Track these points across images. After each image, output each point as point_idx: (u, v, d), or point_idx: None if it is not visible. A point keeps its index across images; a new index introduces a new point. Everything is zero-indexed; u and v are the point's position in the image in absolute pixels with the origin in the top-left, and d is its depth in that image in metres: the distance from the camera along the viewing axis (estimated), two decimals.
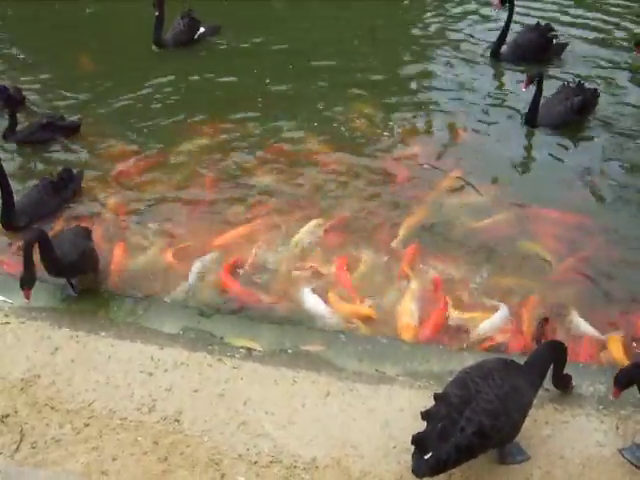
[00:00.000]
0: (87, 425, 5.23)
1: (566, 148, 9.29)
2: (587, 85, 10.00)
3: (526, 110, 9.72)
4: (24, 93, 10.42)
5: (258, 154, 9.08)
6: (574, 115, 9.71)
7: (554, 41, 11.60)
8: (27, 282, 6.02)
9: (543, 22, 11.76)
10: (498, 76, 11.21)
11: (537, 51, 11.45)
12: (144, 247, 7.44)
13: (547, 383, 5.15)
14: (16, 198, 7.77)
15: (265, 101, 10.38)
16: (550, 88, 9.96)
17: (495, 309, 6.46)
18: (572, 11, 13.48)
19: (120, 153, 9.13)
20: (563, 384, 5.34)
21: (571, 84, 10.06)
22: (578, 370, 5.47)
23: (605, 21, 12.97)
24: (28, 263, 5.99)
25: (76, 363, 5.75)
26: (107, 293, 6.69)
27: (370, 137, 9.45)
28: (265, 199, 8.22)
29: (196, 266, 7.04)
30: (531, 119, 9.67)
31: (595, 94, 9.98)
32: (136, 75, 11.28)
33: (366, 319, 6.45)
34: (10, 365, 5.76)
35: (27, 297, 6.05)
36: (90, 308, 6.39)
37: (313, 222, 7.69)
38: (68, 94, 10.70)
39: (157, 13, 11.75)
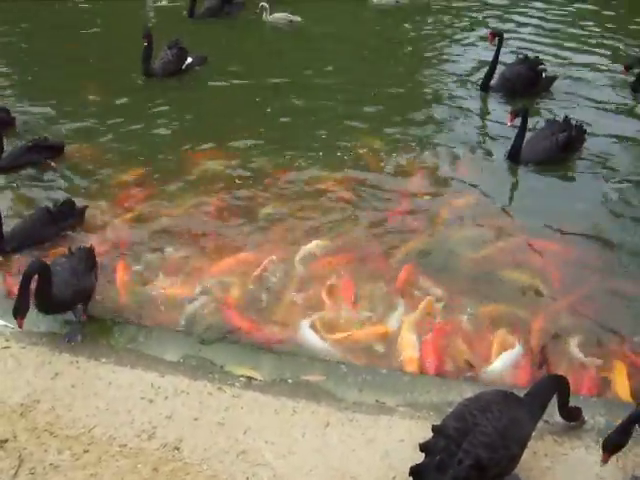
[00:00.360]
0: (86, 451, 5.21)
1: (549, 186, 9.22)
2: (574, 121, 9.87)
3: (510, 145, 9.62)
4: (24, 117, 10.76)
5: (262, 182, 9.17)
6: (559, 152, 9.56)
7: (543, 74, 11.72)
8: (21, 311, 5.91)
9: (533, 55, 12.00)
10: (486, 109, 11.38)
11: (526, 84, 11.54)
12: (145, 276, 7.44)
13: (547, 415, 5.14)
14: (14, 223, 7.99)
15: (266, 130, 10.59)
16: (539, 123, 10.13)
17: (503, 343, 6.45)
18: (564, 44, 13.82)
19: (121, 183, 9.20)
20: (572, 417, 5.33)
21: (557, 119, 9.98)
22: (578, 402, 5.44)
23: (597, 56, 13.29)
24: (24, 293, 5.90)
25: (76, 389, 5.75)
26: (108, 319, 6.69)
27: (371, 167, 9.57)
28: (268, 226, 8.29)
29: (197, 293, 7.08)
30: (514, 155, 9.55)
31: (581, 130, 9.84)
32: (131, 104, 11.54)
33: (382, 337, 6.53)
34: (10, 390, 5.76)
35: (20, 326, 5.96)
36: (91, 334, 6.37)
37: (313, 243, 7.81)
38: (65, 122, 10.93)
39: (145, 44, 11.99)
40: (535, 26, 15.27)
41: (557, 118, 10.06)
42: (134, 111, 11.30)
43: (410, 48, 14.02)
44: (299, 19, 15.42)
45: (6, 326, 6.34)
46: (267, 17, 15.40)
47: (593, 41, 14.22)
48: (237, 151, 9.98)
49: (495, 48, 11.26)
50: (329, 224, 8.32)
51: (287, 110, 11.36)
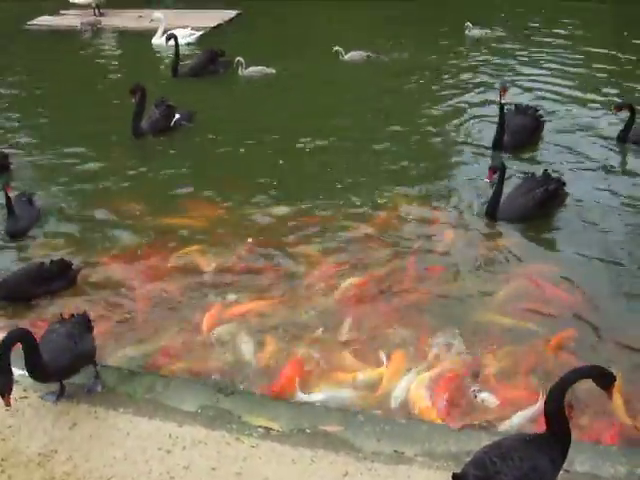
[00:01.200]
0: None
1: (525, 246, 9.07)
2: (553, 175, 9.79)
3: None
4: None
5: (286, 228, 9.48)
6: (537, 209, 9.36)
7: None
8: (4, 388, 5.42)
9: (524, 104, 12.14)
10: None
11: (531, 134, 11.66)
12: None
13: (567, 465, 5.09)
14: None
15: (280, 181, 10.90)
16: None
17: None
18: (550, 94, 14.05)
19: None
20: None
21: (535, 174, 9.78)
22: (599, 452, 5.40)
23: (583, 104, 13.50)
24: (4, 366, 5.45)
25: (94, 439, 5.74)
26: (126, 369, 6.71)
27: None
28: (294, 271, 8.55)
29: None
30: (491, 212, 9.36)
31: (560, 185, 9.64)
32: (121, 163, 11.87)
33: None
34: (28, 439, 5.76)
35: (8, 404, 5.47)
36: (109, 384, 6.36)
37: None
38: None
39: (134, 100, 12.35)
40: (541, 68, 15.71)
41: (535, 173, 9.87)
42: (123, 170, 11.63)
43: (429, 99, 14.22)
44: (274, 71, 15.83)
45: (24, 376, 6.33)
46: (242, 71, 15.74)
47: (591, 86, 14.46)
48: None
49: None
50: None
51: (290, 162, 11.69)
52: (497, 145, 11.41)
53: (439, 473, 5.35)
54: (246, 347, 7.22)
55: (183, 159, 11.99)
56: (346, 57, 16.19)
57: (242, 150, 12.05)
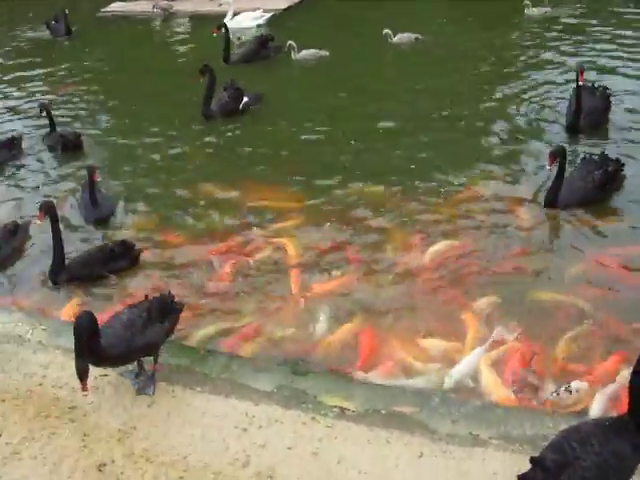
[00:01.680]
0: (181, 478, 5.27)
1: (587, 233, 8.82)
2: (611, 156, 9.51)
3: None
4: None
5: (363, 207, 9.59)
6: (597, 192, 9.08)
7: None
8: (80, 373, 5.50)
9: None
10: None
11: (603, 115, 11.40)
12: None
13: None
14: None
15: (354, 161, 10.97)
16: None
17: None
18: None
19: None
20: None
21: (593, 156, 9.54)
22: None
23: None
24: (81, 352, 5.53)
25: (171, 417, 5.83)
26: (203, 349, 6.80)
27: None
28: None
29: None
30: (552, 200, 9.10)
31: (619, 166, 9.37)
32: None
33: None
34: (108, 416, 5.89)
35: (85, 389, 5.53)
36: (186, 363, 6.44)
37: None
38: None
39: (201, 80, 12.76)
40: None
41: (593, 156, 9.63)
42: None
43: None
44: (327, 53, 15.75)
45: None
46: (295, 55, 15.65)
47: None
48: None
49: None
50: None
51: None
52: (573, 127, 11.15)
53: (515, 457, 5.29)
54: (324, 326, 7.32)
55: (253, 141, 12.13)
56: (395, 39, 16.01)
57: (312, 131, 12.14)
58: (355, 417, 5.77)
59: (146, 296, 6.61)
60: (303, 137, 11.99)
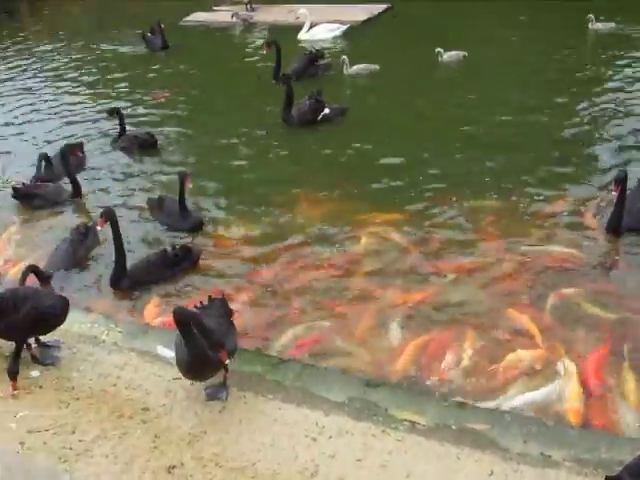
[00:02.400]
0: None
1: None
2: None
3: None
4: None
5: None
6: None
7: None
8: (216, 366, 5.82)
9: None
10: None
11: None
12: None
13: None
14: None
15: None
16: None
17: None
18: None
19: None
20: None
21: None
22: None
23: None
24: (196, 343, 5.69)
25: (242, 423, 5.85)
26: (276, 357, 6.82)
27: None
28: None
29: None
30: (615, 227, 8.77)
31: None
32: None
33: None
34: (179, 419, 5.94)
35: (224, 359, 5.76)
36: (259, 371, 6.46)
37: None
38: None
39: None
40: None
41: None
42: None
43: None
44: (377, 67, 15.62)
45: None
46: (347, 70, 15.54)
47: None
48: None
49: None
50: None
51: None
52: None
53: None
54: (397, 337, 7.31)
55: (330, 150, 12.20)
56: (445, 57, 15.83)
57: (388, 144, 12.10)
58: (426, 432, 5.72)
59: (209, 297, 6.72)
60: (380, 151, 11.92)
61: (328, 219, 9.81)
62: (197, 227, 9.81)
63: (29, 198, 10.88)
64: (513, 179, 10.56)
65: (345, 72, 15.63)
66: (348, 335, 7.44)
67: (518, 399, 6.35)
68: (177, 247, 8.86)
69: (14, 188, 10.90)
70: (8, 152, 13.47)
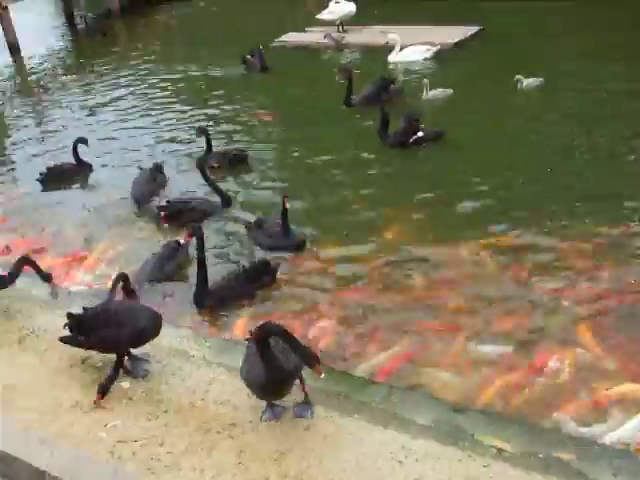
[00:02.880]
0: None
1: None
2: None
3: None
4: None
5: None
6: None
7: None
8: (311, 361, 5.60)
9: None
10: None
11: None
12: None
13: None
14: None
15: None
16: None
17: None
18: None
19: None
20: None
21: None
22: None
23: None
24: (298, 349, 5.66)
25: (328, 442, 5.87)
26: (363, 377, 6.84)
27: None
28: None
29: None
30: None
31: None
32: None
33: None
34: (266, 435, 6.00)
35: (319, 373, 5.58)
36: (346, 390, 6.48)
37: None
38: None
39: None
40: None
41: None
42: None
43: None
44: (451, 91, 15.45)
45: None
46: (427, 94, 15.37)
47: None
48: None
49: None
50: None
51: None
52: None
53: None
54: (486, 361, 7.31)
55: (424, 171, 12.28)
56: (524, 84, 15.38)
57: (483, 166, 12.07)
58: (512, 459, 5.65)
59: None
60: (470, 174, 11.83)
61: (419, 240, 9.82)
62: (300, 247, 9.86)
63: (178, 214, 10.99)
64: (606, 205, 10.36)
65: (424, 96, 15.48)
66: (437, 358, 7.44)
67: (612, 431, 6.25)
68: (256, 262, 9.02)
69: (162, 207, 11.11)
70: (104, 165, 14.04)
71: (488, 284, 8.74)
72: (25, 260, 8.62)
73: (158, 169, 12.47)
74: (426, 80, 15.48)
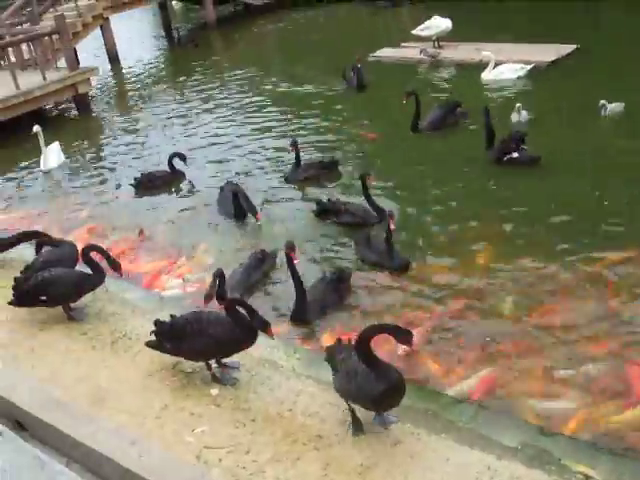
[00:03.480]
0: None
1: None
2: None
3: None
4: None
5: None
6: None
7: None
8: None
9: None
10: None
11: None
12: None
13: None
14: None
15: None
16: None
17: None
18: None
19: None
20: None
21: None
22: None
23: None
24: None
25: (414, 459, 5.86)
26: (450, 396, 6.83)
27: None
28: None
29: None
30: None
31: None
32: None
33: None
34: (351, 449, 6.02)
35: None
36: (434, 408, 6.47)
37: None
38: None
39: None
40: None
41: None
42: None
43: None
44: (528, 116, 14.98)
45: None
46: (519, 117, 14.88)
47: None
48: None
49: None
50: None
51: None
52: None
53: None
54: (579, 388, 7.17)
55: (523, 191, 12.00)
56: (608, 111, 14.71)
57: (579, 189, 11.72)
58: None
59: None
60: (567, 196, 11.52)
61: (511, 258, 9.73)
62: (405, 268, 9.79)
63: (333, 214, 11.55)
64: None
65: (516, 119, 14.96)
66: (524, 381, 7.37)
67: None
68: (338, 272, 9.25)
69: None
70: (196, 172, 14.42)
71: (582, 305, 8.59)
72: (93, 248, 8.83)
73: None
74: (519, 104, 15.10)
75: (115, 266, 8.91)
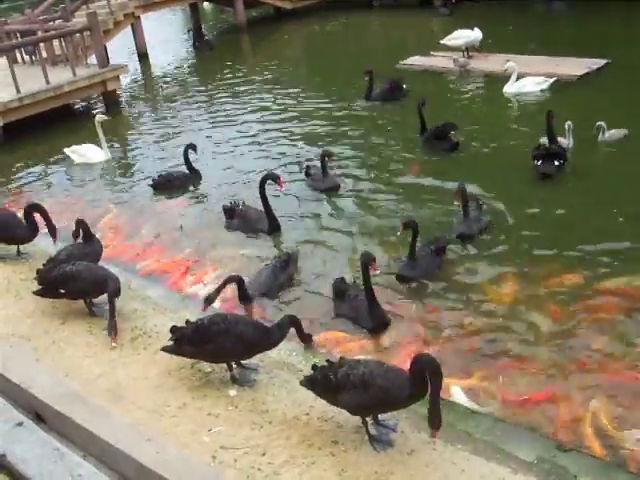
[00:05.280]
0: None
1: None
2: None
3: None
4: None
5: None
6: None
7: None
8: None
9: None
10: None
11: None
12: None
13: None
14: None
15: None
16: None
17: None
18: None
19: None
20: None
21: None
22: None
23: None
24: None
25: (430, 469, 5.87)
26: (466, 407, 6.84)
27: None
28: None
29: None
30: None
31: None
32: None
33: None
34: (368, 456, 6.04)
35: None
36: (451, 420, 6.42)
37: None
38: None
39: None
40: None
41: None
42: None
43: None
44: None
45: None
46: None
47: None
48: None
49: None
50: None
51: None
52: None
53: None
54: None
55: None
56: (607, 135, 14.03)
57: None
58: None
59: None
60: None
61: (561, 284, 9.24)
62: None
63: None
64: None
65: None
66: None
67: None
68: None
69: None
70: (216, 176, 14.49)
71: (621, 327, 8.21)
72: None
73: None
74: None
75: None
